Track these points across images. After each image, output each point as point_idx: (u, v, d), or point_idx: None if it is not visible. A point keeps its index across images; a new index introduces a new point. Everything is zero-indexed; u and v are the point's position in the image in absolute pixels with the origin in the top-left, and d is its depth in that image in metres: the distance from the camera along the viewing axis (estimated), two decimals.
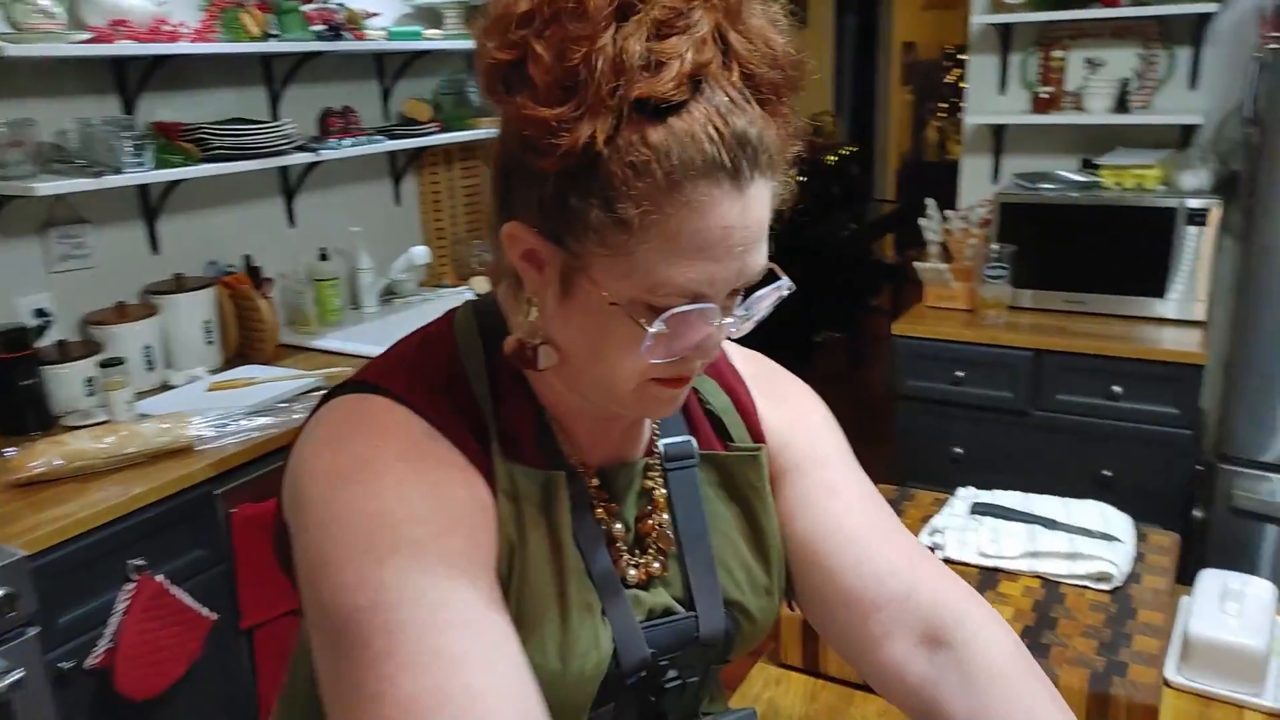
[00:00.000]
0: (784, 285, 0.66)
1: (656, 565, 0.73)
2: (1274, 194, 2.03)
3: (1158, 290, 2.43)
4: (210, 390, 2.09)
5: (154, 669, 1.64)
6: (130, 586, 1.62)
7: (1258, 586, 1.12)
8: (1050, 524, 1.24)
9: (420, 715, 0.54)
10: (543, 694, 0.60)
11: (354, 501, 0.60)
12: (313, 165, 2.58)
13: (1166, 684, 1.06)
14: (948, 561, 1.22)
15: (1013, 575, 1.19)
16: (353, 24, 2.52)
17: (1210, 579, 1.15)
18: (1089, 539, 1.20)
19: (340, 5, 2.50)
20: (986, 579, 1.18)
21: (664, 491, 0.75)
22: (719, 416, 0.80)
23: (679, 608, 0.73)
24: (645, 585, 0.73)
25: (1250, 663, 1.04)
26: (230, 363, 2.32)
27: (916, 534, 1.30)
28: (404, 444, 0.63)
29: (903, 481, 2.69)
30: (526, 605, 0.66)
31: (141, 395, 2.03)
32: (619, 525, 0.73)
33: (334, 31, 2.41)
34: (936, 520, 1.30)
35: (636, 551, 0.73)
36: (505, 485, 0.66)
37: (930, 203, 2.74)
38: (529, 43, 0.57)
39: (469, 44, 2.91)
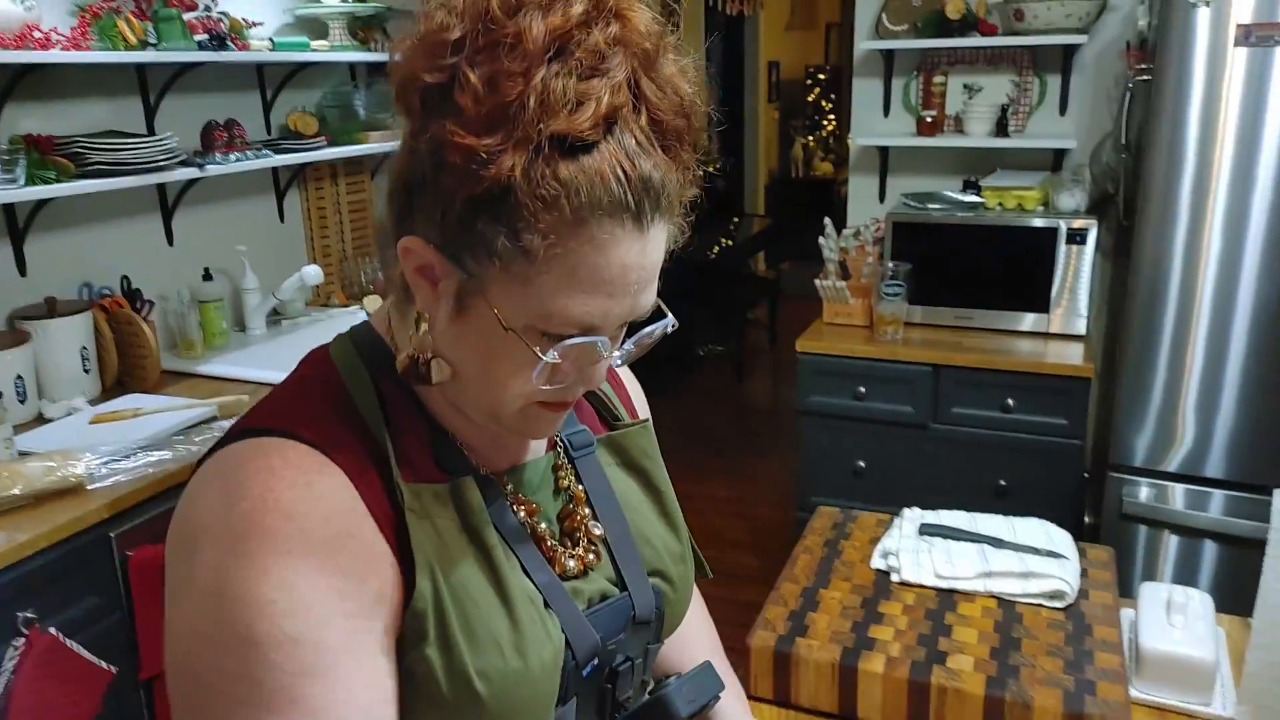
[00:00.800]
0: (669, 323, 0.69)
1: (591, 556, 0.75)
2: (1150, 215, 2.18)
3: (1042, 306, 2.57)
4: (93, 423, 1.92)
5: None
6: (20, 642, 1.45)
7: (1197, 599, 1.18)
8: (998, 543, 1.28)
9: None
10: (507, 700, 0.63)
11: (241, 584, 0.58)
12: (193, 181, 2.42)
13: None
14: (904, 584, 1.25)
15: (969, 596, 1.22)
16: (235, 33, 2.38)
17: (1152, 592, 1.21)
18: (1038, 557, 1.24)
19: (223, 15, 2.36)
20: (944, 601, 1.21)
21: (580, 487, 0.78)
22: (601, 399, 0.85)
23: (614, 590, 0.76)
24: (582, 575, 0.75)
25: (1202, 673, 1.10)
26: (110, 392, 2.13)
27: (867, 557, 1.32)
28: (290, 498, 0.61)
29: (806, 496, 2.75)
30: (470, 615, 0.65)
31: (18, 429, 1.84)
32: (543, 524, 0.74)
33: (217, 41, 2.27)
34: (886, 543, 1.32)
35: (568, 544, 0.75)
36: (414, 506, 0.65)
37: (827, 222, 2.82)
38: (461, 69, 0.58)
39: (356, 56, 2.81)
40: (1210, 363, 2.19)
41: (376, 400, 0.68)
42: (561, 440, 0.80)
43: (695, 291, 5.07)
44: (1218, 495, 2.26)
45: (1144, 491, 2.30)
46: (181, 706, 0.60)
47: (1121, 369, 2.29)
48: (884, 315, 2.60)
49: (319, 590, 0.59)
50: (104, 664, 1.57)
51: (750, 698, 1.15)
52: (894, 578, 1.26)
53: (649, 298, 0.65)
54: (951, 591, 1.23)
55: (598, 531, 0.77)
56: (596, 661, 0.72)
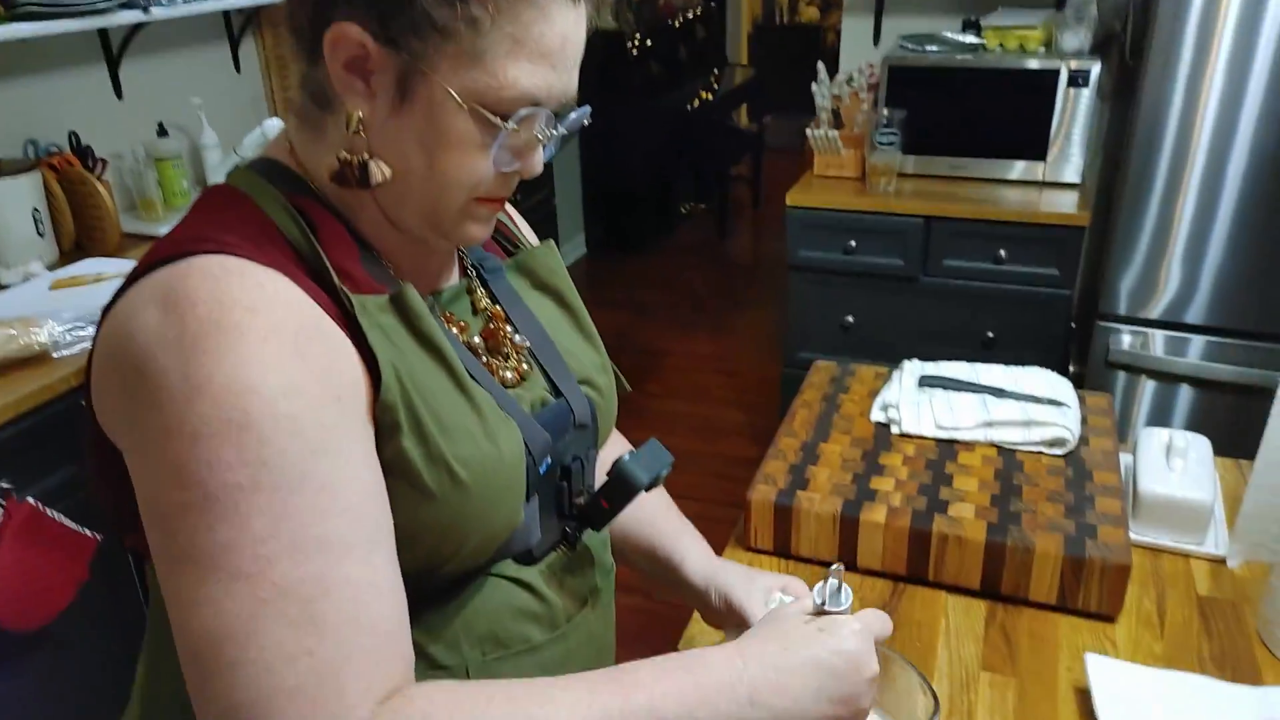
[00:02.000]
0: (587, 111, 0.72)
1: (525, 367, 0.76)
2: (1155, 52, 2.08)
3: (1038, 153, 2.49)
4: (54, 289, 1.83)
5: (38, 598, 1.47)
6: None
7: (1197, 442, 1.17)
8: (999, 393, 1.26)
9: (299, 602, 0.53)
10: (488, 485, 0.64)
11: (220, 375, 0.54)
12: (138, 27, 2.24)
13: None
14: (904, 436, 1.23)
15: (969, 446, 1.20)
16: None
17: (1151, 437, 1.20)
18: (1039, 405, 1.22)
19: None
20: (945, 451, 1.19)
21: (497, 306, 0.78)
22: (501, 232, 0.86)
23: (551, 398, 0.77)
24: (520, 384, 0.75)
25: (1198, 515, 1.09)
26: (69, 256, 2.04)
27: (866, 410, 1.29)
28: (249, 296, 0.57)
29: (794, 352, 2.73)
30: (437, 408, 0.64)
31: None
32: (476, 339, 0.75)
33: None
34: (886, 395, 1.30)
35: (500, 358, 0.75)
36: (362, 311, 0.63)
37: (820, 66, 2.68)
38: None
39: None
40: (1201, 209, 2.15)
41: (297, 219, 0.65)
42: (472, 264, 0.79)
43: (675, 147, 4.91)
44: (1197, 341, 2.26)
45: (1126, 339, 2.29)
46: (173, 537, 0.54)
47: (1115, 216, 2.24)
48: (877, 166, 2.51)
49: (306, 372, 0.56)
50: (87, 531, 1.54)
51: (749, 549, 1.14)
52: (894, 430, 1.23)
53: (576, 79, 0.66)
54: (952, 442, 1.21)
55: (524, 344, 0.77)
56: (550, 460, 0.73)
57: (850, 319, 2.62)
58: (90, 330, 1.65)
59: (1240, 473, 1.28)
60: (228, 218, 0.63)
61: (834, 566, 0.70)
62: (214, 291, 0.56)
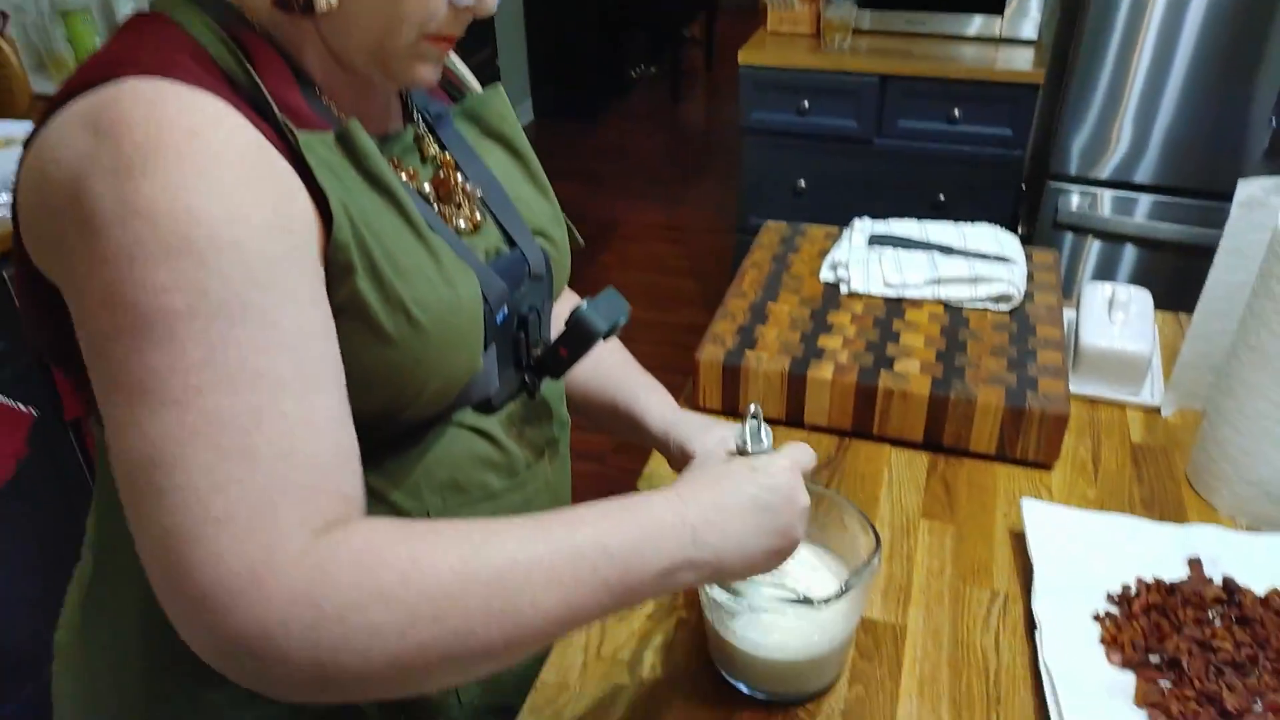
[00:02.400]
0: None
1: (478, 215, 0.74)
2: None
3: (995, 6, 2.42)
4: None
5: None
6: None
7: (1139, 296, 1.18)
8: (948, 250, 1.25)
9: (230, 433, 0.50)
10: (447, 329, 0.63)
11: (158, 197, 0.50)
12: None
13: None
14: (853, 295, 1.22)
15: (916, 304, 1.20)
16: None
17: (1094, 291, 1.21)
18: (986, 262, 1.22)
19: None
20: (892, 309, 1.19)
21: (446, 154, 0.75)
22: (448, 79, 0.83)
23: (505, 247, 0.76)
24: (475, 233, 0.74)
25: (1136, 367, 1.11)
26: None
27: (816, 270, 1.28)
28: (189, 119, 0.53)
29: (746, 217, 2.70)
30: (391, 249, 0.62)
31: None
32: (426, 185, 0.72)
33: None
34: (835, 254, 1.28)
35: (452, 206, 0.73)
36: (307, 149, 0.59)
37: None
38: None
39: None
40: (1156, 65, 2.12)
41: (233, 48, 0.60)
42: (418, 110, 0.76)
43: (624, 7, 4.71)
44: (1144, 200, 2.27)
45: (1075, 200, 2.30)
46: (107, 362, 0.52)
47: (1070, 74, 2.21)
48: (832, 21, 2.43)
49: (252, 200, 0.53)
50: (22, 406, 1.51)
51: (698, 409, 1.15)
52: (843, 289, 1.23)
53: None
54: (900, 300, 1.21)
55: (476, 193, 0.75)
56: (506, 310, 0.72)
57: (802, 183, 2.59)
58: (6, 198, 1.56)
59: (1179, 325, 1.30)
60: (157, 42, 0.58)
61: (752, 408, 0.71)
62: (150, 115, 0.52)
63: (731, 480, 0.65)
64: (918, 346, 1.12)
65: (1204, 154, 2.17)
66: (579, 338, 0.74)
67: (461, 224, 0.72)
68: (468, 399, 0.72)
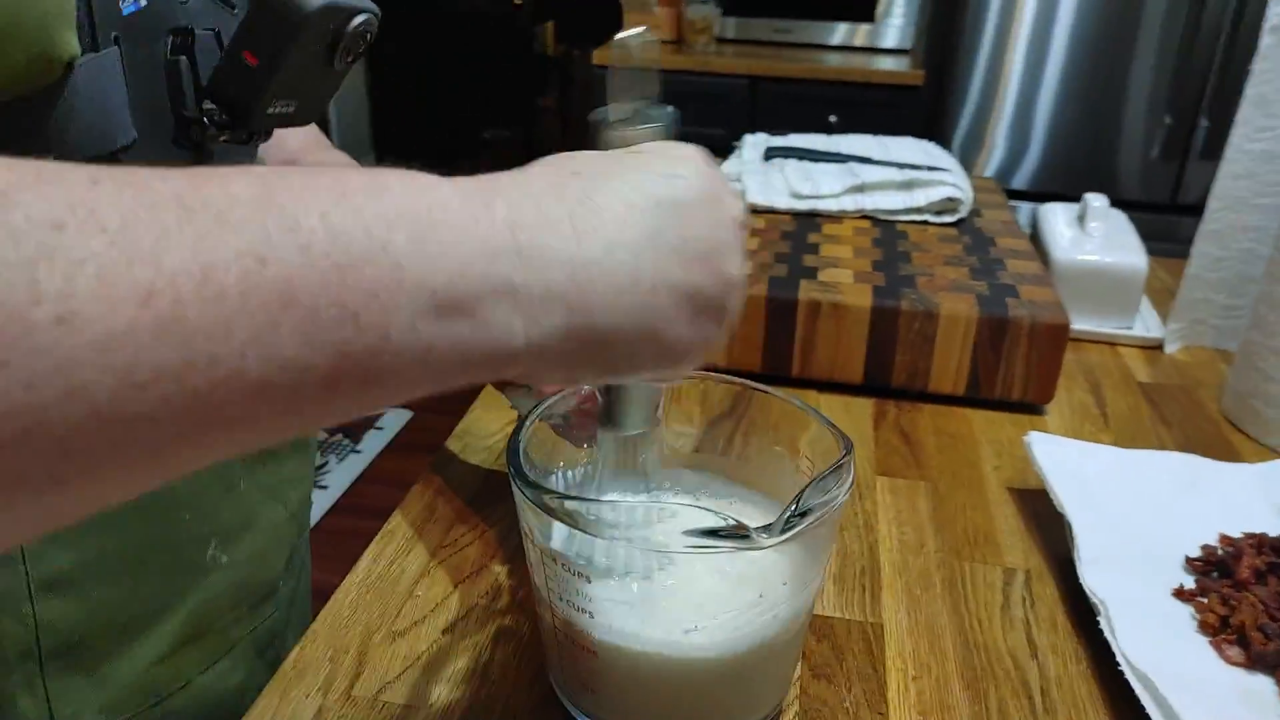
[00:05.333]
0: None
1: None
2: None
3: (865, 14, 2.26)
4: None
5: None
6: None
7: (1114, 212, 0.91)
8: (866, 161, 0.96)
9: None
10: None
11: None
12: None
13: None
14: (753, 210, 0.90)
15: (835, 218, 0.89)
16: None
17: (1053, 212, 0.93)
18: (918, 171, 0.93)
19: None
20: (805, 224, 0.87)
21: None
22: None
23: None
24: None
25: (1129, 286, 0.83)
26: None
27: None
28: None
29: None
30: None
31: None
32: None
33: None
34: (726, 167, 0.97)
35: None
36: None
37: None
38: None
39: None
40: (1029, 70, 2.00)
41: None
42: None
43: (474, 68, 4.47)
44: (1025, 208, 2.11)
45: None
46: None
47: (946, 78, 2.04)
48: (695, 21, 2.21)
49: None
50: None
51: None
52: None
53: None
54: (813, 214, 0.90)
55: None
56: (145, 5, 0.39)
57: None
58: None
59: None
60: None
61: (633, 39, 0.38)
62: None
63: (595, 164, 0.31)
64: (846, 256, 0.80)
65: (1082, 159, 2.04)
66: (271, 24, 0.38)
67: None
68: (74, 143, 0.37)
